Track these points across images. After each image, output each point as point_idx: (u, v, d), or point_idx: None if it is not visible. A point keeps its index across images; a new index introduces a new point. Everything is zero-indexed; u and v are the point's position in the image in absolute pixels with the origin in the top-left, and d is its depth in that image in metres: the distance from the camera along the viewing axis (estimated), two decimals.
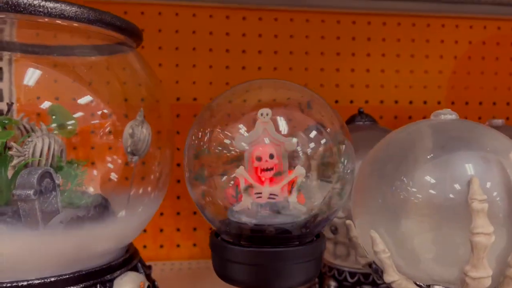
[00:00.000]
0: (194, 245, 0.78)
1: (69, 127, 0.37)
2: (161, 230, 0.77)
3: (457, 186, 0.33)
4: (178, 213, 0.77)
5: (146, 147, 0.41)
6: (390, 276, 0.34)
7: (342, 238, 0.54)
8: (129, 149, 0.39)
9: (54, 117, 0.36)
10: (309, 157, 0.33)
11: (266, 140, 0.32)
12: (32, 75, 0.38)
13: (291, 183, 0.32)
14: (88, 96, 0.39)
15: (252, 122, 0.32)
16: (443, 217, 0.33)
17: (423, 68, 0.82)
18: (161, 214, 0.77)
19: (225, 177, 0.33)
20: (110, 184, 0.41)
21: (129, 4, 0.73)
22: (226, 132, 0.33)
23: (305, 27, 0.79)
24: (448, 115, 0.37)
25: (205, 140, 0.33)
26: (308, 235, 0.33)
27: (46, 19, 0.33)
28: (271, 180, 0.32)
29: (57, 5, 0.32)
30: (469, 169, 0.33)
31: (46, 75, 0.39)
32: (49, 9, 0.32)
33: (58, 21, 0.34)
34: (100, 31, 0.37)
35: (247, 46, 0.77)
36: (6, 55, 0.44)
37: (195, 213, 0.78)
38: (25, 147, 0.36)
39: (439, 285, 0.33)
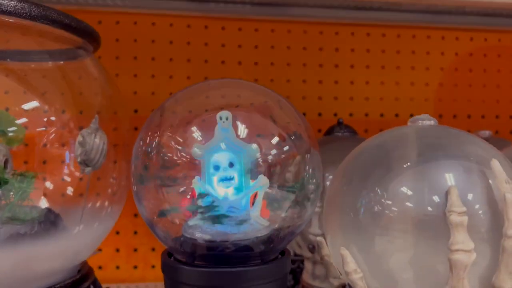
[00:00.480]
0: None
1: (12, 134, 0.34)
2: (135, 250, 0.73)
3: (436, 198, 0.30)
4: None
5: (101, 158, 0.37)
6: None
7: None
8: (79, 159, 0.36)
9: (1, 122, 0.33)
10: (272, 166, 0.30)
11: (225, 147, 0.28)
12: None
13: (253, 195, 0.29)
14: (37, 102, 0.36)
15: (209, 126, 0.29)
16: (421, 233, 0.30)
17: (409, 80, 0.80)
18: (135, 232, 0.73)
19: (179, 189, 0.30)
20: (61, 198, 0.38)
21: (103, 13, 0.71)
22: (178, 137, 0.29)
23: (287, 38, 0.76)
24: (426, 120, 0.34)
25: (154, 146, 0.29)
26: (272, 252, 0.29)
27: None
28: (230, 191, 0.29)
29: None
30: (449, 179, 0.30)
31: None
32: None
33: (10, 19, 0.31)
34: (46, 29, 0.34)
35: (226, 57, 0.75)
36: None
37: None
38: None
39: None
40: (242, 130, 0.29)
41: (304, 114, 0.45)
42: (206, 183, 0.28)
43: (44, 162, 0.37)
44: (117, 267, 0.72)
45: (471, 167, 0.30)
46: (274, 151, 0.30)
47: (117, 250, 0.72)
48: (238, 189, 0.28)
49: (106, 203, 0.39)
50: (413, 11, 0.78)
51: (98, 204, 0.39)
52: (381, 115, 0.78)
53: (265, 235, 0.29)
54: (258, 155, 0.29)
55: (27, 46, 0.37)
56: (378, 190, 0.31)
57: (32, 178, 0.36)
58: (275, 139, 0.30)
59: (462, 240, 0.26)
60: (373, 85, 0.78)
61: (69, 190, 0.38)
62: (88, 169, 0.37)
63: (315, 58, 0.77)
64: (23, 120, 0.34)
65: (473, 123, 0.81)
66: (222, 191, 0.28)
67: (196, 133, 0.29)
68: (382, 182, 0.31)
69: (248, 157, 0.29)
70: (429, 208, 0.30)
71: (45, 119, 0.36)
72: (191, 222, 0.29)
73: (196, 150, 0.28)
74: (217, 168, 0.28)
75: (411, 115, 0.79)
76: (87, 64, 0.39)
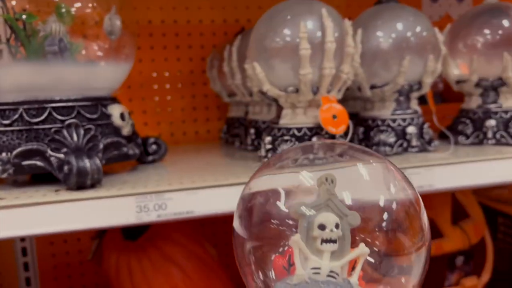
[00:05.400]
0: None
1: (70, 17, 0.61)
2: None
3: (302, 35, 0.59)
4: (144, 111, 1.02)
5: (119, 31, 0.65)
6: (265, 86, 0.60)
7: (256, 98, 0.80)
8: (109, 28, 0.63)
9: (61, 8, 0.60)
10: (373, 234, 0.30)
11: (331, 208, 0.28)
12: None
13: (353, 262, 0.28)
14: None
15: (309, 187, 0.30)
16: (294, 51, 0.59)
17: None
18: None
19: (276, 246, 0.29)
20: (99, 53, 0.66)
21: None
22: (279, 199, 0.30)
23: None
24: None
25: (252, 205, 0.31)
26: None
27: None
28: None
29: None
30: (303, 20, 0.59)
31: None
32: None
33: None
34: None
35: None
36: None
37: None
38: (45, 26, 0.59)
39: (291, 87, 0.60)
40: (346, 195, 0.29)
41: None
42: (307, 242, 0.27)
43: (87, 33, 0.64)
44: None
45: (315, 14, 0.59)
46: (377, 220, 0.29)
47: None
48: (337, 254, 0.28)
49: (123, 57, 0.67)
50: None
51: (117, 55, 0.67)
52: None
53: None
54: (359, 222, 0.28)
55: None
56: (271, 33, 0.61)
57: (80, 41, 0.63)
58: (379, 208, 0.29)
59: (304, 44, 0.56)
60: None
61: (103, 49, 0.66)
62: (113, 36, 0.65)
63: None
64: (77, 6, 0.61)
65: None
66: (324, 253, 0.27)
67: (297, 192, 0.30)
68: (274, 28, 0.60)
69: (350, 223, 0.28)
70: (297, 40, 0.59)
71: (85, 7, 0.63)
72: (291, 281, 0.27)
73: (301, 208, 0.28)
74: (322, 227, 0.27)
75: None
76: None
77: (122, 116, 0.62)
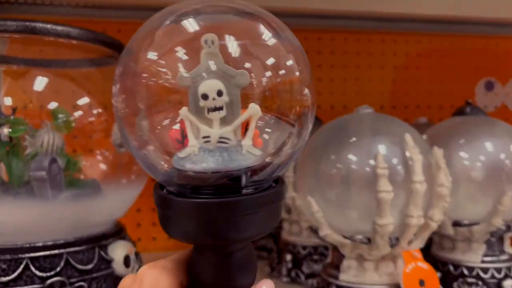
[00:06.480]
0: (169, 237, 0.87)
1: (69, 125, 0.47)
2: (139, 225, 0.86)
3: (371, 162, 0.44)
4: (153, 209, 0.86)
5: None
6: (323, 231, 0.44)
7: (295, 217, 0.64)
8: (118, 141, 0.48)
9: (59, 116, 0.45)
10: (265, 92, 0.27)
11: (212, 74, 0.26)
12: (40, 84, 0.47)
13: (245, 124, 0.26)
14: (85, 98, 0.49)
15: (194, 50, 0.26)
16: (363, 185, 0.44)
17: (367, 77, 0.95)
18: (138, 210, 0.85)
19: (167, 120, 0.27)
20: (103, 171, 0.51)
21: (107, 23, 0.83)
22: (159, 66, 0.26)
23: None
24: (366, 109, 0.48)
25: (134, 79, 0.27)
26: (265, 181, 0.27)
27: (53, 39, 0.43)
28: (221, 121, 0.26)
29: (64, 28, 0.42)
30: (380, 149, 0.44)
31: (51, 83, 0.49)
32: (58, 31, 0.41)
33: (62, 40, 0.43)
34: (93, 47, 0.46)
35: None
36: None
37: None
38: (35, 140, 0.45)
39: (360, 235, 0.44)
40: (232, 53, 0.26)
41: None
42: (195, 113, 0.26)
43: (90, 144, 0.50)
44: None
45: (394, 141, 0.44)
46: (267, 77, 0.26)
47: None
48: (228, 119, 0.26)
49: (133, 176, 0.52)
50: (369, 19, 0.93)
51: (127, 176, 0.52)
52: (344, 107, 0.93)
53: (257, 166, 0.26)
54: (249, 81, 0.26)
55: (76, 56, 0.50)
56: (333, 156, 0.46)
57: (80, 157, 0.49)
58: (270, 63, 0.26)
59: (384, 185, 0.41)
60: (337, 82, 0.93)
61: (108, 166, 0.51)
62: (122, 149, 0.50)
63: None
64: (78, 113, 0.47)
65: (420, 112, 0.97)
66: (214, 122, 0.26)
67: (179, 60, 0.26)
68: (335, 151, 0.45)
69: (238, 85, 0.26)
70: (367, 169, 0.44)
71: (89, 112, 0.49)
72: (181, 154, 0.26)
73: (181, 78, 0.25)
74: (205, 97, 0.25)
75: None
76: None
77: (126, 261, 0.46)
